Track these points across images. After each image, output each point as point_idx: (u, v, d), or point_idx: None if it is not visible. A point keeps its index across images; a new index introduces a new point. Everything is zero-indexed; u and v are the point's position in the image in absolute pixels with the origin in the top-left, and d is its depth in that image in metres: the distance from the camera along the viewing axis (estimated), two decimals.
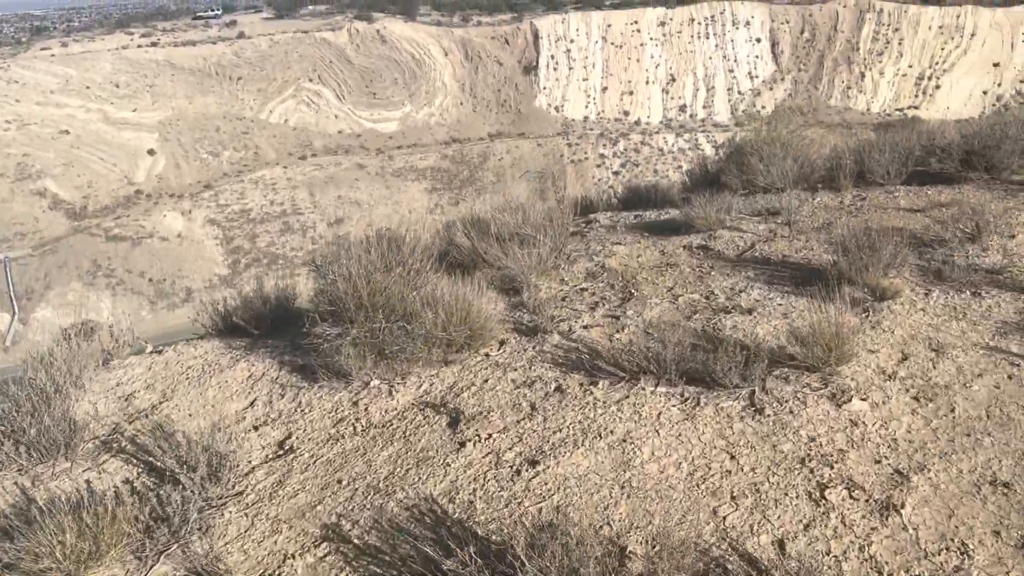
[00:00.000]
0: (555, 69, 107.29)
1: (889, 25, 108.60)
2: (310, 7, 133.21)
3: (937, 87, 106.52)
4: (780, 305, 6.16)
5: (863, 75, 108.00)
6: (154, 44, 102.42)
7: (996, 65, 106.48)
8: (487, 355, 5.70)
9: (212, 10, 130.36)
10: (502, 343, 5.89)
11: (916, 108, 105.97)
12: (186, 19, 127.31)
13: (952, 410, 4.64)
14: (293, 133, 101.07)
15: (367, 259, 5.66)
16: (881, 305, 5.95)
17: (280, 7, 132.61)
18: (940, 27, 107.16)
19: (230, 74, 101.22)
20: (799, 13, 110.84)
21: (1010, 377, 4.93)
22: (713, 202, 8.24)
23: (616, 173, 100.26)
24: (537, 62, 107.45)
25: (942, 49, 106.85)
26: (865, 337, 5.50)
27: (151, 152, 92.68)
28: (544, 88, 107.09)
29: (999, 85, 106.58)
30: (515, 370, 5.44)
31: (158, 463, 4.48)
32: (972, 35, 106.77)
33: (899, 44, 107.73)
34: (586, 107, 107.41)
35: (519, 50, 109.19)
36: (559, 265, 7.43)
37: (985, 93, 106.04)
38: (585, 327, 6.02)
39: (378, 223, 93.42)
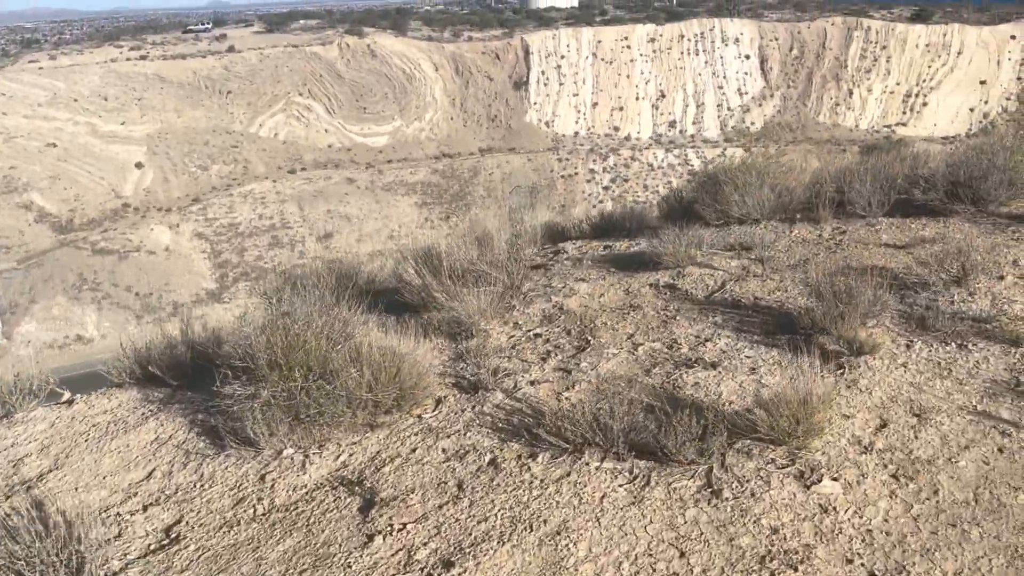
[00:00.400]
0: (545, 84, 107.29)
1: (876, 43, 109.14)
2: (301, 21, 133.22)
3: (924, 104, 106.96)
4: (748, 358, 5.60)
5: (851, 92, 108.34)
6: (143, 57, 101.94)
7: (983, 83, 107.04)
8: (420, 417, 5.10)
9: (202, 24, 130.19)
10: (439, 402, 5.30)
11: (904, 125, 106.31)
12: (176, 33, 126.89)
13: (936, 492, 4.07)
14: (283, 147, 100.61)
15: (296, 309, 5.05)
16: (858, 360, 5.38)
17: (271, 21, 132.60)
18: (927, 45, 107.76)
19: (220, 88, 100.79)
20: (788, 30, 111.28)
21: (1000, 450, 4.37)
22: (683, 236, 7.69)
23: (606, 188, 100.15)
24: (527, 77, 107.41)
25: (929, 67, 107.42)
26: (840, 399, 4.93)
27: (139, 165, 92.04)
28: (534, 103, 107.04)
29: (986, 102, 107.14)
30: (448, 436, 4.84)
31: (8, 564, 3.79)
32: (959, 53, 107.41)
33: (887, 62, 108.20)
34: (576, 122, 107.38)
35: (509, 65, 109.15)
36: (514, 306, 6.87)
37: (972, 110, 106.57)
38: (533, 383, 5.44)
39: (367, 237, 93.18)
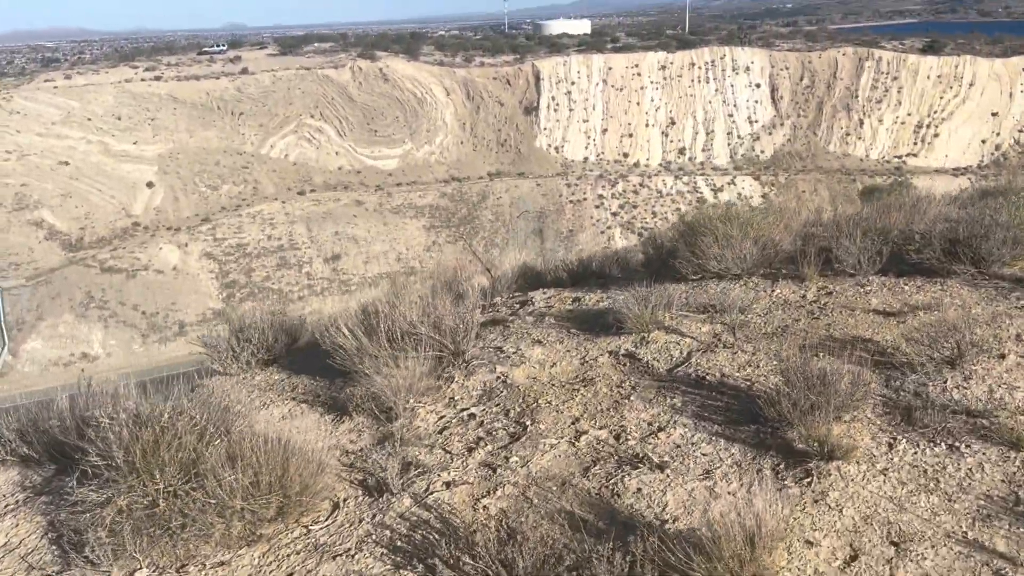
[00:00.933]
0: (556, 110, 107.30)
1: (888, 73, 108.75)
2: (315, 44, 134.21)
3: (936, 135, 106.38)
4: (704, 455, 4.85)
5: (862, 122, 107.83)
6: (158, 78, 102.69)
7: (995, 114, 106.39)
8: (308, 529, 4.36)
9: (218, 46, 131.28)
10: (336, 507, 4.56)
11: (915, 155, 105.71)
12: (191, 54, 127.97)
13: None
14: (293, 168, 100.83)
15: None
16: (829, 467, 4.59)
17: (285, 44, 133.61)
18: (939, 76, 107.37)
19: (232, 109, 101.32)
20: (799, 60, 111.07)
21: None
22: (652, 295, 6.96)
23: (614, 214, 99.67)
24: (538, 103, 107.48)
25: (941, 98, 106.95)
26: (804, 517, 4.16)
27: (150, 185, 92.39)
28: (544, 129, 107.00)
29: (998, 134, 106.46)
30: (334, 558, 4.08)
31: None
32: (971, 84, 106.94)
33: (898, 92, 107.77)
34: (586, 148, 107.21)
35: (520, 91, 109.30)
36: (453, 377, 6.17)
37: (984, 142, 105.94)
38: (449, 484, 4.69)
39: (375, 259, 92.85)
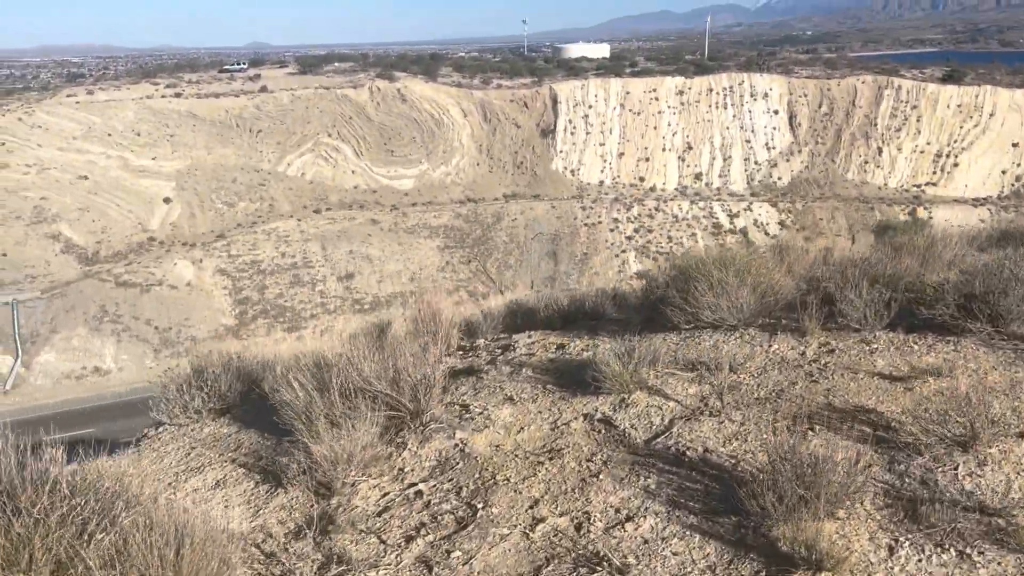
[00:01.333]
0: (572, 133, 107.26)
1: (907, 102, 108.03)
2: (335, 64, 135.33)
3: (955, 165, 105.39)
4: (675, 556, 4.21)
5: (880, 150, 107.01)
6: (178, 95, 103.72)
7: (1015, 145, 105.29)
8: None
9: (238, 64, 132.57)
10: None
11: (934, 185, 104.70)
12: (212, 71, 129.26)
13: None
14: (309, 187, 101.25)
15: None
16: None
17: (305, 63, 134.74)
18: (959, 105, 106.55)
19: (250, 126, 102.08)
20: (817, 87, 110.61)
21: None
22: (635, 351, 6.35)
23: (629, 238, 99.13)
24: (555, 126, 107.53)
25: (960, 127, 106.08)
26: None
27: (167, 200, 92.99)
28: (561, 151, 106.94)
29: (1018, 165, 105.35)
30: None
31: None
32: (991, 115, 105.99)
33: (917, 121, 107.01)
34: (602, 171, 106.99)
35: (537, 113, 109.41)
36: (406, 443, 5.59)
37: (1004, 173, 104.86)
38: None
39: (388, 279, 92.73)
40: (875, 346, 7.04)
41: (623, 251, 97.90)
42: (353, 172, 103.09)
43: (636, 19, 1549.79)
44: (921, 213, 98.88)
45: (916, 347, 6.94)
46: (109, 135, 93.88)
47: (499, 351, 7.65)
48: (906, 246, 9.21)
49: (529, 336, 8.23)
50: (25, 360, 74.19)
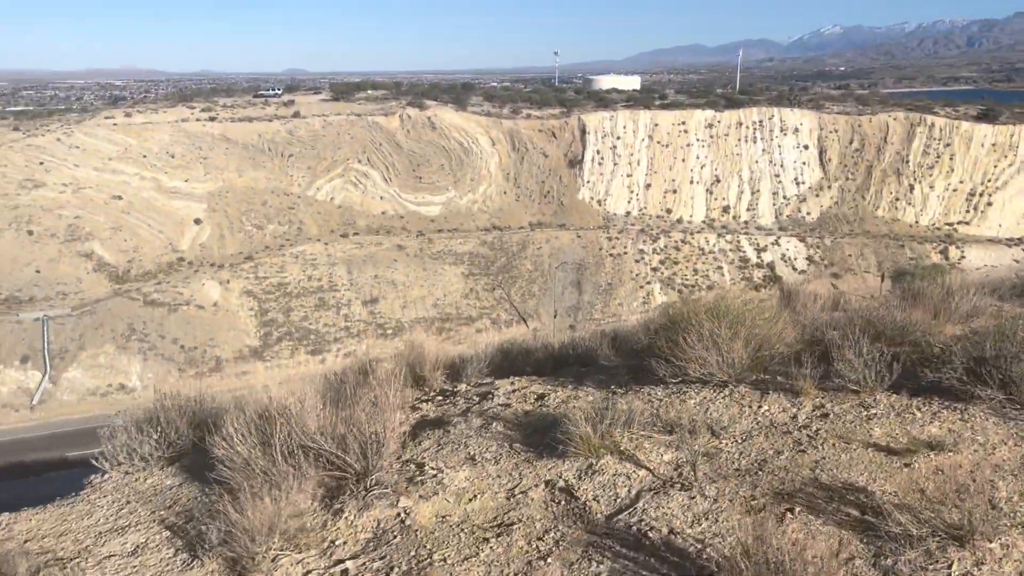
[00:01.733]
0: (600, 164, 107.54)
1: (940, 140, 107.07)
2: (368, 92, 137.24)
3: (989, 204, 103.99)
4: None
5: (912, 187, 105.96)
6: (212, 118, 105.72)
7: None
8: None
9: (273, 89, 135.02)
10: None
11: (967, 224, 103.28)
12: (247, 96, 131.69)
13: None
14: (338, 211, 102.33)
15: None
16: None
17: (338, 90, 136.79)
18: (993, 144, 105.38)
19: (282, 151, 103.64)
20: (848, 123, 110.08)
21: None
22: (608, 411, 6.07)
23: (655, 270, 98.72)
24: (582, 156, 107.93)
25: (995, 166, 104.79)
26: None
27: (197, 221, 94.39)
28: (588, 181, 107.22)
29: None
30: None
31: None
32: None
33: (950, 159, 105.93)
34: (628, 202, 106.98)
35: (565, 143, 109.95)
36: (343, 510, 5.33)
37: None
38: None
39: (412, 304, 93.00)
40: (874, 411, 6.61)
41: (648, 282, 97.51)
42: (381, 198, 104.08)
43: (668, 52, 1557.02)
44: (953, 252, 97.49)
45: (919, 414, 6.51)
46: (144, 156, 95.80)
47: (477, 399, 7.41)
48: (922, 293, 8.96)
49: (512, 383, 7.96)
50: (53, 376, 75.29)
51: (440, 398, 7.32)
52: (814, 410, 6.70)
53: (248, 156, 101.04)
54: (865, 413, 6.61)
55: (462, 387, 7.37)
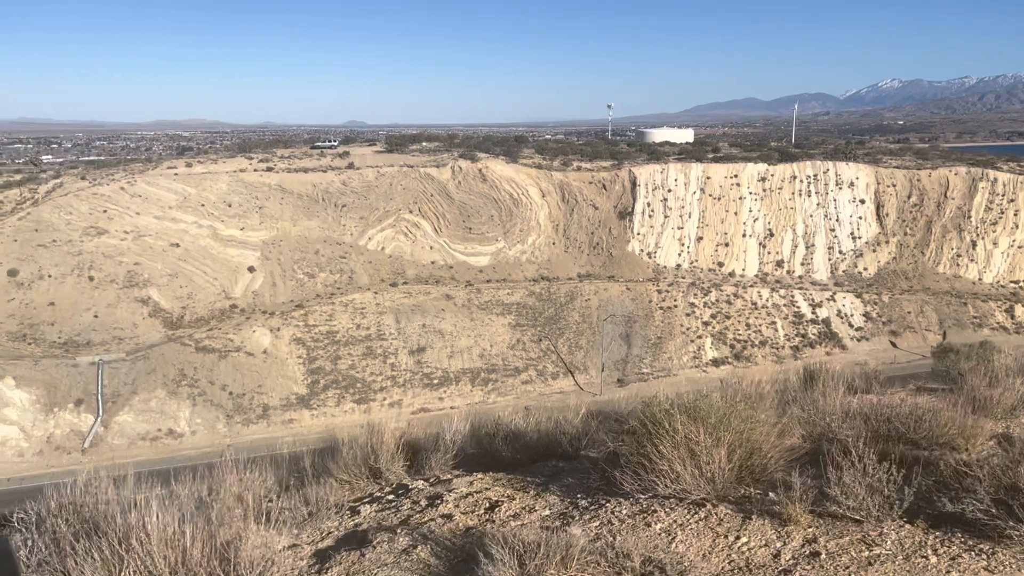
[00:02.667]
0: (650, 216, 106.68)
1: (1004, 195, 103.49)
2: (423, 143, 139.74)
3: None
4: None
5: (974, 244, 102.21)
6: (269, 169, 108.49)
7: None
8: None
9: (329, 141, 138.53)
10: None
11: None
12: (304, 147, 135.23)
13: None
14: (388, 260, 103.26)
15: None
16: None
17: (392, 142, 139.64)
18: None
19: (335, 201, 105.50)
20: (907, 177, 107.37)
21: None
22: (553, 539, 4.90)
23: (706, 324, 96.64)
24: (633, 208, 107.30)
25: None
26: None
27: (251, 269, 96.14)
28: (638, 234, 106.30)
29: None
30: None
31: None
32: None
33: (1015, 215, 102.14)
34: (679, 255, 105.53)
35: (616, 195, 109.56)
36: None
37: None
38: None
39: (459, 354, 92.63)
40: (877, 550, 5.32)
41: (699, 336, 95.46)
42: (431, 248, 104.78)
43: (723, 105, 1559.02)
44: (1020, 311, 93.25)
45: (934, 558, 5.20)
46: (202, 205, 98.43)
47: (425, 502, 6.42)
48: (964, 376, 7.81)
49: (471, 483, 6.94)
50: (104, 419, 76.60)
51: (391, 497, 6.40)
52: (803, 545, 5.46)
53: (302, 206, 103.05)
54: (867, 553, 5.35)
55: (418, 484, 6.36)
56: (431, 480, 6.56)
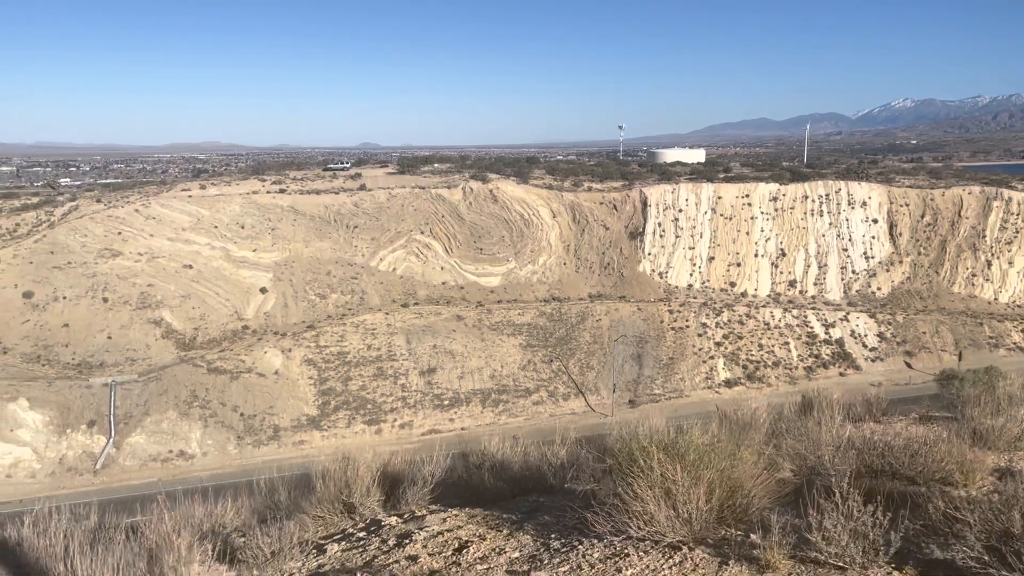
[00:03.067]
0: (661, 236, 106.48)
1: (1019, 215, 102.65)
2: (434, 165, 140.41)
3: None
4: None
5: (990, 263, 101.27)
6: (282, 191, 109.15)
7: None
8: None
9: (342, 163, 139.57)
10: None
11: None
12: (317, 169, 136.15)
13: None
14: (399, 281, 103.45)
15: None
16: None
17: (404, 164, 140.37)
18: None
19: (347, 222, 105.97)
20: (920, 196, 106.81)
21: None
22: None
23: (718, 344, 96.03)
24: (644, 228, 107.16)
25: None
26: None
27: (263, 290, 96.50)
28: (649, 254, 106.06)
29: None
30: None
31: None
32: None
33: None
34: (691, 275, 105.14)
35: (627, 215, 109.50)
36: None
37: None
38: None
39: (469, 375, 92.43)
40: None
41: (711, 357, 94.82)
42: (442, 268, 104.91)
43: (734, 126, 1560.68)
44: None
45: None
46: (215, 227, 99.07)
47: (394, 541, 6.21)
48: (968, 403, 7.57)
49: (444, 520, 6.70)
50: (116, 440, 76.73)
51: (362, 534, 6.20)
52: None
53: (314, 227, 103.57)
54: None
55: (391, 520, 6.14)
56: (405, 516, 6.40)
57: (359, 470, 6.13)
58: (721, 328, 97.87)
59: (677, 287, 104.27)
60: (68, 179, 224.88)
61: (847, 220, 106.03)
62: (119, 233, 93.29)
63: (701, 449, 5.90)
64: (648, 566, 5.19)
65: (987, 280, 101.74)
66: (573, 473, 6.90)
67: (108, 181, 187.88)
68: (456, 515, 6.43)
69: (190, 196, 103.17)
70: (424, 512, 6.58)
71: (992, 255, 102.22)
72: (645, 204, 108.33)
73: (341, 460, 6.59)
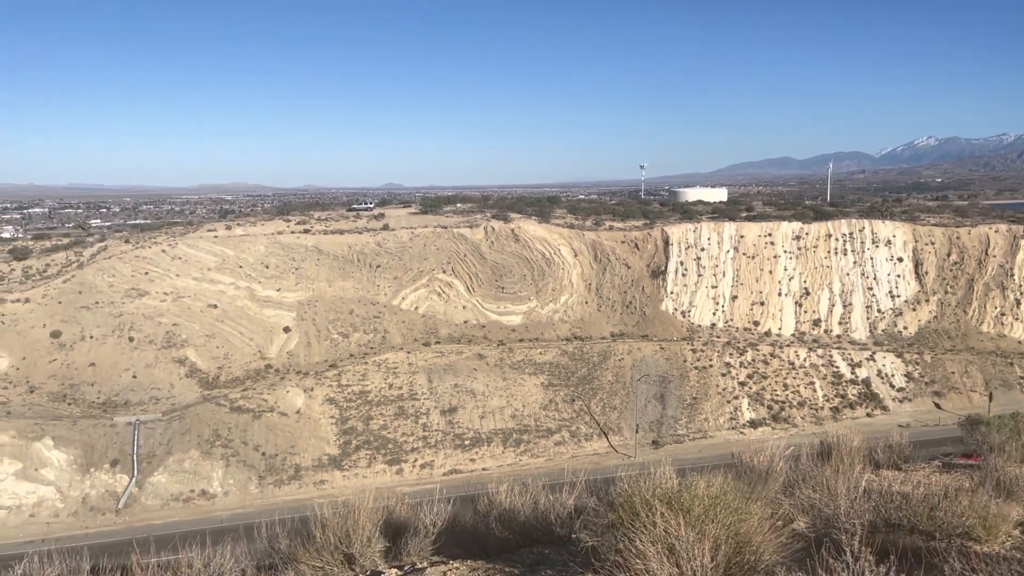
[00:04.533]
0: (684, 275, 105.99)
1: None
2: (457, 204, 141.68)
3: None
4: None
5: (1019, 302, 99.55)
6: (306, 231, 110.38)
7: None
8: None
9: (365, 203, 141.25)
10: None
11: None
12: (341, 209, 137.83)
13: None
14: (421, 320, 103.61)
15: None
16: None
17: (427, 204, 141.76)
18: None
19: (370, 262, 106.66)
20: (946, 235, 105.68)
21: None
22: None
23: (742, 384, 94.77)
24: (666, 267, 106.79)
25: None
26: None
27: (286, 330, 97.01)
28: (671, 293, 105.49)
29: None
30: None
31: None
32: None
33: None
34: (714, 314, 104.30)
35: (648, 255, 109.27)
36: None
37: None
38: None
39: (490, 414, 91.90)
40: None
41: (736, 397, 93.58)
42: (464, 307, 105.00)
43: (757, 164, 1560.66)
44: None
45: None
46: (240, 267, 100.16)
47: None
48: (996, 449, 7.29)
49: (444, 573, 6.52)
50: (139, 480, 76.79)
51: None
52: None
53: (338, 267, 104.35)
54: None
55: (391, 572, 6.04)
56: (406, 568, 6.27)
57: (359, 519, 6.02)
58: (745, 367, 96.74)
59: (700, 326, 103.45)
60: (99, 220, 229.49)
61: (872, 259, 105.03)
62: (146, 273, 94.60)
63: (707, 503, 5.69)
64: None
65: (1016, 319, 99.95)
66: (581, 523, 6.71)
67: (137, 222, 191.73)
68: (457, 567, 6.29)
69: (216, 236, 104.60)
70: (425, 564, 6.46)
71: (1021, 293, 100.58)
72: (667, 243, 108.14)
73: (341, 508, 6.48)
